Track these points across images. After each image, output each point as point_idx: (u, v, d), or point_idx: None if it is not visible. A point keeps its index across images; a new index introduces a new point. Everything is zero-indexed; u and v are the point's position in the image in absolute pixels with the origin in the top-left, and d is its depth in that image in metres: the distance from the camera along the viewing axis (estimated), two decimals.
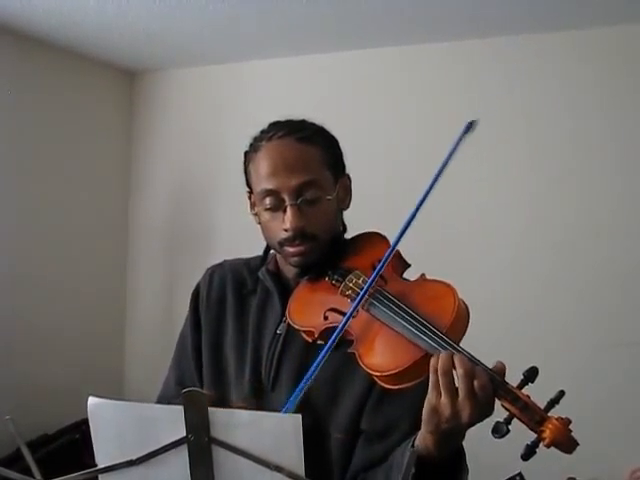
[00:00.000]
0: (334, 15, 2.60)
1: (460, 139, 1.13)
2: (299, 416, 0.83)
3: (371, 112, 3.03)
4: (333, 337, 1.03)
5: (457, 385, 0.93)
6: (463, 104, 2.85)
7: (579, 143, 2.67)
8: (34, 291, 3.14)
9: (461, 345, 0.98)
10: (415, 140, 2.94)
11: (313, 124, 1.25)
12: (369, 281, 1.06)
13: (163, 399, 1.36)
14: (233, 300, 1.32)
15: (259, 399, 1.22)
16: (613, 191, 2.61)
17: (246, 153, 1.26)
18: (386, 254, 1.08)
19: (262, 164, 1.19)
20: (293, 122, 1.24)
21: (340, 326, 1.04)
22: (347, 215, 1.31)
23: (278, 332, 1.24)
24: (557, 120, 2.69)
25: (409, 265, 1.19)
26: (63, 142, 3.28)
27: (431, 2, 2.41)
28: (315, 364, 1.00)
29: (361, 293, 1.06)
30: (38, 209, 3.16)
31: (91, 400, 0.91)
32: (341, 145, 1.30)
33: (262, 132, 1.24)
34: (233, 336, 1.30)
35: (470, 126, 1.14)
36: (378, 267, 1.07)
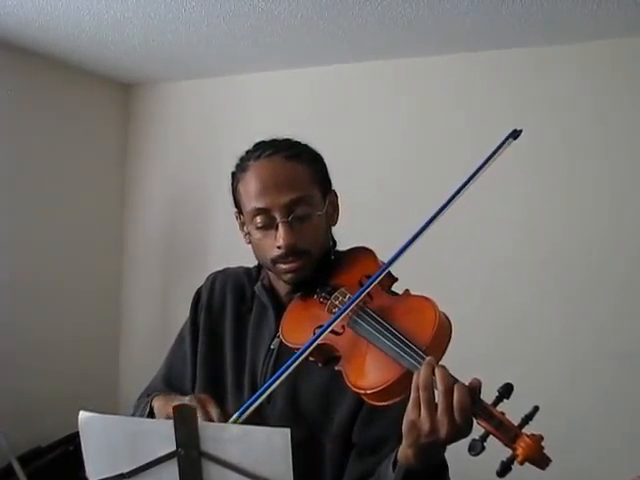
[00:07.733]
0: (328, 29, 2.62)
1: (501, 145, 1.16)
2: (287, 430, 0.85)
3: (368, 124, 3.04)
4: (297, 354, 1.03)
5: (437, 401, 0.93)
6: (457, 119, 2.87)
7: (569, 159, 2.67)
8: (29, 304, 3.14)
9: (442, 361, 0.98)
10: (413, 154, 2.94)
11: (298, 142, 1.26)
12: (341, 310, 1.08)
13: (148, 390, 1.37)
14: (232, 310, 1.34)
15: (256, 411, 1.23)
16: (603, 206, 2.61)
17: (234, 173, 1.26)
18: (371, 279, 1.09)
19: (251, 183, 1.19)
20: (278, 141, 1.25)
21: (305, 346, 1.04)
22: (337, 229, 1.32)
23: (272, 347, 1.25)
24: (549, 136, 2.68)
25: (396, 279, 1.20)
26: (60, 154, 3.30)
27: (425, 16, 2.43)
28: (273, 378, 1.01)
29: (329, 321, 1.07)
30: (35, 222, 3.17)
31: (82, 414, 0.92)
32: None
33: (248, 152, 1.25)
34: (231, 347, 1.31)
35: (514, 134, 1.18)
36: (356, 294, 1.08)
